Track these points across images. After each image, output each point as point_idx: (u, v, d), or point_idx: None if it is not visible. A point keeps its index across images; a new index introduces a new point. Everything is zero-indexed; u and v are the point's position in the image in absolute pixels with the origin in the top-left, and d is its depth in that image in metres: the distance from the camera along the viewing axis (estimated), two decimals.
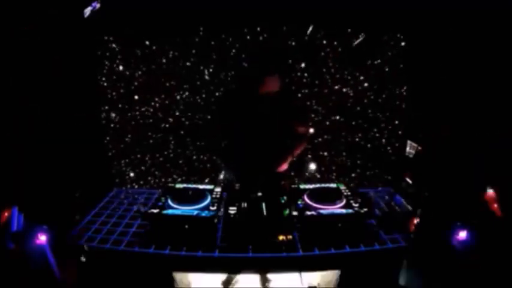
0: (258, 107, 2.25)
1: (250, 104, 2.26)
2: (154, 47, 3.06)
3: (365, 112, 3.24)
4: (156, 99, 3.22)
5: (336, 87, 3.18)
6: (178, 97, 3.22)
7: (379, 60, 3.08)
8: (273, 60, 2.44)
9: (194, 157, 3.38)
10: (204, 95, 3.22)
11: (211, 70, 3.15)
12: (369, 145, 3.32)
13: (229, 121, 2.33)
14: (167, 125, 3.28)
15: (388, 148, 3.31)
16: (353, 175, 3.40)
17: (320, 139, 3.35)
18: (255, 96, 2.23)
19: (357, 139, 3.32)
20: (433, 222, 1.81)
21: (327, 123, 3.30)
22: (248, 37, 3.03)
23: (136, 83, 3.15)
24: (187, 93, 3.22)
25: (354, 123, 3.27)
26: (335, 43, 3.06)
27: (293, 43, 3.03)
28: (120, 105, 3.20)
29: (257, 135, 2.28)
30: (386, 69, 3.10)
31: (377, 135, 3.30)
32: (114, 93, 3.17)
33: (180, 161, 3.39)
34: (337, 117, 3.28)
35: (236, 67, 3.09)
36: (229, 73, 3.15)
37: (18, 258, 1.60)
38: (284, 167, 2.42)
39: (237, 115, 2.30)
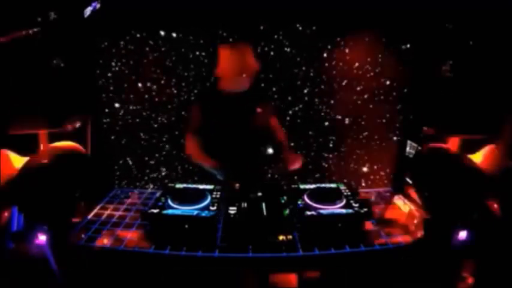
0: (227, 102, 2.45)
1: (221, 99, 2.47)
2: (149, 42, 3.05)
3: (366, 111, 3.23)
4: (146, 96, 3.19)
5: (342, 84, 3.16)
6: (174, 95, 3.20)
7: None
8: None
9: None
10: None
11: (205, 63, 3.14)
12: (374, 147, 3.31)
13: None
14: (158, 125, 3.27)
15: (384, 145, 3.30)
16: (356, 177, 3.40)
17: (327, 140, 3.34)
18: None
19: (361, 137, 3.30)
20: (433, 223, 1.81)
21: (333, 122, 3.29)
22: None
23: (132, 82, 3.14)
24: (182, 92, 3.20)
25: (362, 122, 3.26)
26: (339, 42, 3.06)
27: (299, 28, 3.01)
28: (117, 105, 3.19)
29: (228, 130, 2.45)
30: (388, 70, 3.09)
31: (376, 136, 3.29)
32: (111, 93, 3.16)
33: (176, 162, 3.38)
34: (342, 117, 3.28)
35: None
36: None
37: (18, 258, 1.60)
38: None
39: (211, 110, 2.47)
